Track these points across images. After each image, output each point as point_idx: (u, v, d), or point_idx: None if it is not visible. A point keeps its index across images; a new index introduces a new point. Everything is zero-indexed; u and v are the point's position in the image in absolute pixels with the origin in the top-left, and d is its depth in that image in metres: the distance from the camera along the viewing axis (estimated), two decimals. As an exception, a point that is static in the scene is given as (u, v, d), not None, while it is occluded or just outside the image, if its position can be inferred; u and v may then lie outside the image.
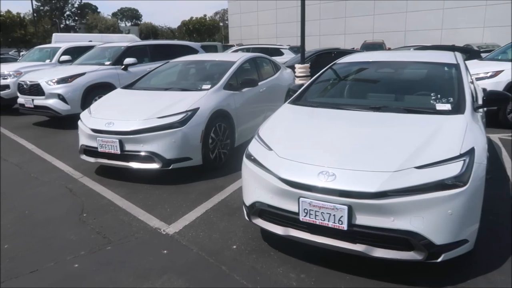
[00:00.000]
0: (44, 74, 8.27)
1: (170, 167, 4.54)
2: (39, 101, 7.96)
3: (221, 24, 68.09)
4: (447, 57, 4.21)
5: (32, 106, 8.07)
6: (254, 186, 2.97)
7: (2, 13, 42.76)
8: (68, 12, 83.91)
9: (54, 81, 7.88)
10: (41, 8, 74.26)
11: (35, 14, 63.23)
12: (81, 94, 7.99)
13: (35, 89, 7.99)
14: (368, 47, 23.98)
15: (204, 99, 4.97)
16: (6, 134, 7.75)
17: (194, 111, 4.71)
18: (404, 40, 28.94)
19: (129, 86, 5.99)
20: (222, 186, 4.53)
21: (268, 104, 6.63)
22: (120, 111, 4.86)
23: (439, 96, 3.49)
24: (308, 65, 9.33)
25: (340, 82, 4.51)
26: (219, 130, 5.06)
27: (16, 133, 7.76)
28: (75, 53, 11.11)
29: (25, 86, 8.16)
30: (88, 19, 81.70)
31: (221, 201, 4.10)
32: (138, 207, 4.00)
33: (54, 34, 19.99)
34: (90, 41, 12.93)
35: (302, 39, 9.29)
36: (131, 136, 4.46)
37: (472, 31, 25.51)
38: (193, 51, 10.89)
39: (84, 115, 5.08)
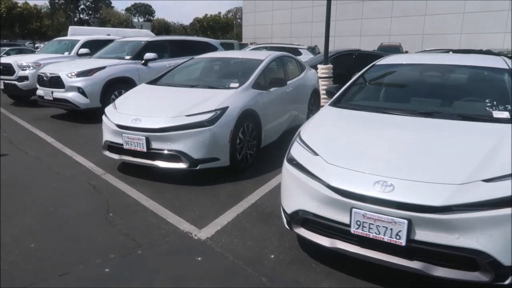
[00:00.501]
0: (64, 67, 8.17)
1: (198, 168, 4.38)
2: (59, 93, 7.85)
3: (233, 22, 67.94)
4: (496, 62, 3.98)
5: (51, 98, 7.97)
6: (297, 193, 2.79)
7: (20, 4, 43.07)
8: (82, 6, 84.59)
9: (74, 74, 7.77)
10: (57, 1, 74.78)
11: (49, 7, 63.73)
12: (101, 88, 7.87)
13: (55, 82, 7.89)
14: (385, 49, 23.65)
15: (233, 98, 4.80)
16: (24, 125, 7.65)
17: (223, 110, 4.54)
18: (422, 43, 28.54)
19: (153, 82, 5.84)
20: (250, 189, 4.36)
21: (294, 105, 6.45)
22: (147, 108, 4.71)
23: (494, 103, 3.27)
24: (331, 66, 9.12)
25: (383, 85, 4.31)
26: (246, 130, 4.88)
27: (35, 125, 7.66)
28: (93, 46, 10.99)
29: (45, 78, 8.07)
30: (102, 13, 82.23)
31: (251, 206, 3.93)
32: (166, 208, 3.84)
33: (70, 27, 19.97)
34: (108, 34, 12.84)
35: (327, 39, 9.07)
36: (159, 134, 4.31)
37: (493, 36, 25.01)
38: (213, 48, 10.74)
39: (109, 110, 4.94)
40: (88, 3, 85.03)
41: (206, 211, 3.79)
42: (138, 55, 8.70)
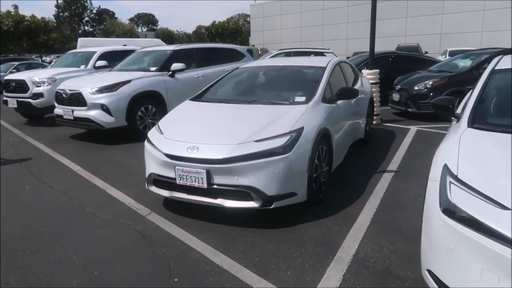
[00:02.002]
0: (85, 82, 7.33)
1: (272, 206, 3.48)
2: (80, 112, 7.00)
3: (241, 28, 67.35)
4: None
5: (72, 117, 7.13)
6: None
7: (27, 18, 42.61)
8: (86, 18, 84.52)
9: (96, 89, 6.92)
10: (61, 14, 74.71)
11: (54, 21, 63.56)
12: (127, 104, 7.02)
13: (76, 99, 7.04)
14: (403, 50, 22.70)
15: (306, 116, 3.90)
16: (42, 149, 6.80)
17: (299, 132, 3.65)
18: (440, 43, 27.56)
19: (198, 98, 4.96)
20: (340, 232, 3.44)
21: (356, 118, 5.55)
22: (202, 132, 3.82)
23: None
24: (377, 70, 8.21)
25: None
26: (321, 154, 3.98)
27: (54, 148, 6.80)
28: (111, 58, 10.23)
29: (64, 95, 7.23)
30: (106, 25, 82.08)
31: (354, 259, 3.01)
32: (245, 266, 2.94)
33: (79, 39, 19.25)
34: (125, 45, 12.03)
35: (372, 40, 8.19)
36: (223, 165, 3.41)
37: (516, 32, 23.98)
38: (240, 55, 9.92)
39: (153, 135, 4.05)
40: (92, 15, 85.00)
41: (299, 269, 2.88)
42: (164, 66, 7.85)
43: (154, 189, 3.90)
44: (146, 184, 4.01)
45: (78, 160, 6.00)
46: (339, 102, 4.68)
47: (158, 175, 3.79)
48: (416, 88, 8.52)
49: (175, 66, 7.79)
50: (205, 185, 3.48)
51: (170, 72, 7.80)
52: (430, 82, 8.37)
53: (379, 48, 30.33)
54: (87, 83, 7.22)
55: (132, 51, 10.04)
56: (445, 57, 19.29)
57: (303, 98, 4.30)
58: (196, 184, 3.51)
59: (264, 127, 3.68)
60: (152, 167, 3.87)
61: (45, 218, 3.95)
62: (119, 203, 4.28)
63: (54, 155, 6.42)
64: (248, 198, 3.47)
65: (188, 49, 8.63)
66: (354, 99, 5.29)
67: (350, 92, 4.59)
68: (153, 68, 7.83)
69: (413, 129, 7.72)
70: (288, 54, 13.89)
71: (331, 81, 4.78)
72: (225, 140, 3.56)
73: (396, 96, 9.09)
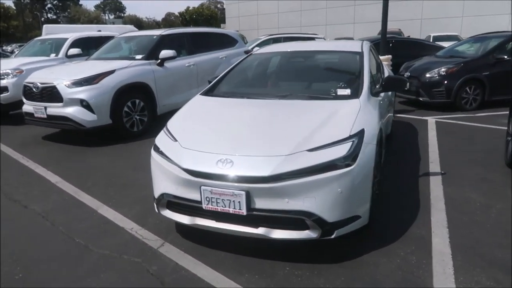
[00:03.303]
0: (60, 73, 6.20)
1: (333, 236, 2.64)
2: (55, 109, 5.89)
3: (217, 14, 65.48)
4: None
5: (45, 116, 6.00)
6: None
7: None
8: (49, 5, 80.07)
9: (74, 82, 5.82)
10: (22, 0, 70.36)
11: (14, 8, 59.66)
12: (111, 98, 5.96)
13: (49, 94, 5.92)
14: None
15: (363, 114, 3.07)
16: (11, 155, 5.68)
17: (360, 136, 2.81)
18: (420, 29, 27.29)
19: (211, 92, 4.01)
20: (418, 265, 2.67)
21: (389, 112, 4.78)
22: (234, 139, 2.91)
23: None
24: (390, 56, 7.48)
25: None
26: (379, 161, 3.17)
27: (25, 154, 5.69)
28: (85, 45, 9.05)
29: (34, 89, 6.07)
30: (70, 12, 78.11)
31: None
32: (319, 331, 2.09)
33: (45, 26, 17.67)
34: (99, 30, 10.74)
35: (384, 24, 7.43)
36: (269, 184, 2.54)
37: (497, 18, 23.87)
38: (233, 40, 8.97)
39: (164, 143, 3.11)
40: (55, 1, 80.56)
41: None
42: (151, 54, 6.80)
43: (168, 214, 2.98)
44: (155, 206, 3.09)
45: (56, 169, 4.95)
46: (382, 94, 3.88)
47: (175, 197, 2.87)
48: (428, 75, 7.84)
49: (165, 53, 6.76)
50: (244, 211, 2.60)
51: (159, 61, 6.78)
52: (444, 69, 7.70)
53: (361, 34, 29.92)
54: (62, 74, 6.09)
55: (109, 38, 8.88)
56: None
57: (347, 91, 3.45)
58: (232, 210, 2.63)
59: (315, 131, 2.82)
60: (165, 185, 2.93)
61: (21, 256, 2.96)
62: (118, 229, 3.33)
63: (26, 161, 5.33)
64: (301, 226, 2.62)
65: (178, 34, 7.57)
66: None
67: (398, 82, 3.78)
68: (139, 56, 6.76)
69: (431, 120, 7.04)
70: (277, 40, 13.03)
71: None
72: (269, 150, 2.68)
73: (405, 84, 8.39)
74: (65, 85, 5.78)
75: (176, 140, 3.02)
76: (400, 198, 3.72)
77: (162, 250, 2.96)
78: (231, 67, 4.35)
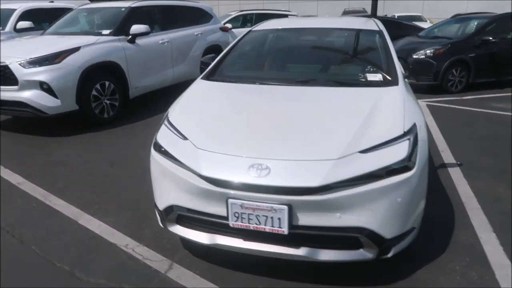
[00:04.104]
0: (12, 50, 5.23)
1: (390, 255, 2.19)
2: (9, 93, 4.97)
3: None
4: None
5: (-4, 101, 5.06)
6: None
7: None
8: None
9: (32, 60, 4.91)
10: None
11: None
12: (77, 80, 5.12)
13: (1, 75, 4.97)
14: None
15: (409, 105, 2.61)
16: (-46, 149, 4.74)
17: (414, 132, 2.35)
18: (383, 8, 27.36)
19: (216, 76, 3.36)
20: (483, 284, 2.28)
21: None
22: (265, 137, 2.34)
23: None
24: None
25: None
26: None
27: (-27, 146, 4.78)
28: (36, 18, 7.94)
29: (-20, 69, 5.08)
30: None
31: None
32: None
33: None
34: (52, 1, 9.47)
35: (375, 3, 6.98)
36: (318, 197, 2.02)
37: (456, 2, 24.32)
38: (208, 16, 8.20)
39: (169, 141, 2.48)
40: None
41: None
42: (121, 29, 5.95)
43: (179, 230, 2.38)
44: (160, 220, 2.49)
45: (17, 166, 4.14)
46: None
47: (189, 210, 2.28)
48: (415, 56, 7.54)
49: (136, 28, 5.95)
50: (285, 230, 2.07)
51: (130, 37, 5.95)
52: (430, 50, 7.42)
53: (324, 12, 29.54)
54: (16, 51, 5.13)
55: (64, 9, 7.85)
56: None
57: (378, 76, 2.97)
58: (268, 228, 2.09)
59: (362, 127, 2.32)
60: (175, 196, 2.33)
61: (-14, 292, 2.28)
62: (110, 246, 2.70)
63: (-25, 157, 4.44)
64: (354, 245, 2.14)
65: (149, 7, 6.70)
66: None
67: (427, 65, 3.36)
68: (106, 31, 5.89)
69: (422, 103, 6.78)
70: (247, 17, 12.31)
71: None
72: (314, 153, 2.15)
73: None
74: (20, 65, 4.86)
75: (186, 138, 2.40)
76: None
77: (172, 275, 2.38)
78: (230, 45, 3.71)
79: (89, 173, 3.94)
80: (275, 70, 3.47)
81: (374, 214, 2.07)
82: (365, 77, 2.98)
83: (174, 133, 2.48)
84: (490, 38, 7.47)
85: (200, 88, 3.10)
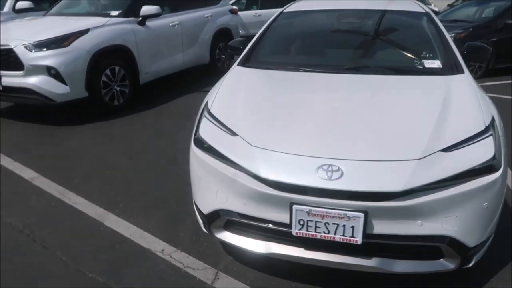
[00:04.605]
0: (16, 32, 4.86)
1: (471, 264, 1.95)
2: (13, 78, 4.62)
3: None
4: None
5: (0, 88, 4.71)
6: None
7: None
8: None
9: (38, 43, 4.56)
10: None
11: None
12: (86, 65, 4.78)
13: (4, 59, 4.61)
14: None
15: (482, 96, 2.35)
16: (-43, 139, 4.41)
17: (494, 127, 2.09)
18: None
19: (251, 62, 3.03)
20: None
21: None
22: (331, 134, 2.05)
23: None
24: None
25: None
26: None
27: (-24, 137, 4.45)
28: (36, -2, 7.48)
29: (-19, 53, 4.72)
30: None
31: None
32: None
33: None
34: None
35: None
36: (398, 203, 1.76)
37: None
38: (216, -3, 7.78)
39: (215, 136, 2.18)
40: None
41: None
42: (130, 9, 5.58)
43: (227, 237, 2.12)
44: (204, 225, 2.23)
45: (26, 158, 3.83)
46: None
47: (241, 216, 2.01)
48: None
49: (147, 10, 5.57)
50: (358, 239, 1.81)
51: (140, 18, 5.58)
52: (452, 34, 7.12)
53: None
54: (20, 33, 4.76)
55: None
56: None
57: (436, 63, 2.69)
58: (339, 237, 1.83)
59: (439, 121, 2.05)
60: (223, 198, 2.05)
61: (12, 308, 2.01)
62: (144, 252, 2.43)
63: (-19, 149, 4.12)
64: (434, 255, 1.90)
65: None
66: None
67: (482, 51, 3.05)
68: (115, 13, 5.51)
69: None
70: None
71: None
72: (392, 152, 1.88)
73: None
74: (26, 48, 4.50)
75: (235, 134, 2.11)
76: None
77: (220, 286, 2.13)
78: (263, 28, 3.37)
79: (107, 166, 3.65)
80: (317, 55, 3.16)
81: (459, 220, 1.82)
82: (422, 64, 2.70)
83: (220, 128, 2.20)
84: (513, 22, 7.18)
85: (239, 76, 2.79)
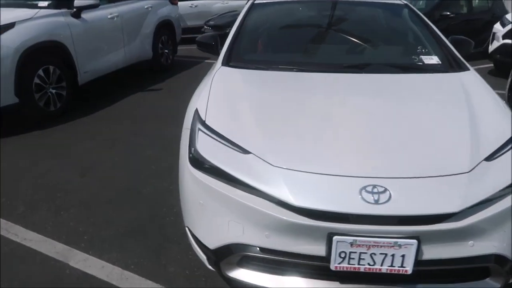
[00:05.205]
0: None
1: (512, 280, 1.81)
2: None
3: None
4: None
5: None
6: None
7: None
8: None
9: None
10: None
11: None
12: (15, 66, 4.04)
13: None
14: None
15: (495, 93, 2.22)
16: None
17: (519, 127, 1.97)
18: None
19: (236, 62, 2.63)
20: None
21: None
22: (363, 147, 1.76)
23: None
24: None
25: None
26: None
27: None
28: None
29: None
30: None
31: None
32: None
33: None
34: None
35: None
36: (453, 224, 1.54)
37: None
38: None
39: (219, 154, 1.79)
40: None
41: None
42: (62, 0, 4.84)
43: (244, 276, 1.76)
44: (209, 262, 1.84)
45: None
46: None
47: (264, 250, 1.67)
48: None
49: (81, 1, 4.88)
50: (408, 268, 1.57)
51: (74, 10, 4.87)
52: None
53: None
54: None
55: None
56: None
57: (435, 58, 2.54)
58: (386, 268, 1.58)
59: (472, 126, 1.87)
60: (239, 231, 1.69)
61: None
62: (133, 300, 1.98)
63: None
64: (481, 274, 1.72)
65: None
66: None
67: (466, 44, 2.98)
68: (43, 3, 4.74)
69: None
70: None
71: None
72: (438, 166, 1.65)
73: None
74: None
75: (247, 152, 1.75)
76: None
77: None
78: (239, 22, 2.98)
79: (56, 188, 3.06)
80: (307, 52, 2.86)
81: (506, 235, 1.65)
82: (421, 60, 2.53)
83: (224, 144, 1.82)
84: (449, 13, 7.52)
85: (229, 78, 2.40)
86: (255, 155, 1.72)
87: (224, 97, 2.17)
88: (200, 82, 2.49)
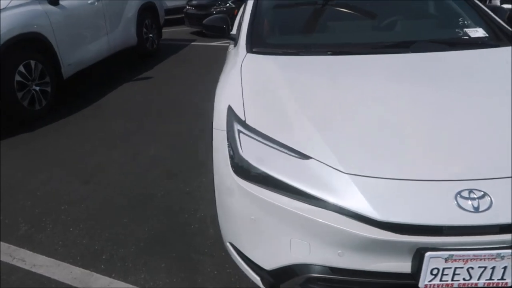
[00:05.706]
0: None
1: None
2: None
3: None
4: None
5: None
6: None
7: None
8: None
9: None
10: None
11: None
12: (-8, 64, 3.61)
13: None
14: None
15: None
16: None
17: None
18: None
19: (261, 48, 2.31)
20: None
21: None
22: (445, 145, 1.50)
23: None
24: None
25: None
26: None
27: None
28: None
29: None
30: None
31: None
32: None
33: None
34: None
35: None
36: None
37: None
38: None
39: (273, 162, 1.51)
40: None
41: None
42: (37, -14, 4.36)
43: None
44: (261, 283, 1.60)
45: None
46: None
47: (336, 270, 1.43)
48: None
49: (59, -15, 4.42)
50: (509, 281, 1.37)
51: (52, -3, 4.41)
52: None
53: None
54: None
55: None
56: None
57: (480, 31, 2.29)
58: (483, 282, 1.37)
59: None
60: (303, 249, 1.45)
61: None
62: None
63: None
64: None
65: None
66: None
67: (499, 11, 2.74)
68: (17, -10, 4.24)
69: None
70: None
71: None
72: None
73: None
74: None
75: (308, 157, 1.48)
76: None
77: None
78: (252, 3, 2.63)
79: (59, 200, 2.73)
80: (337, 31, 2.55)
81: None
82: (466, 34, 2.28)
83: (276, 148, 1.54)
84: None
85: (260, 68, 2.07)
86: (317, 160, 1.46)
87: (262, 90, 1.87)
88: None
